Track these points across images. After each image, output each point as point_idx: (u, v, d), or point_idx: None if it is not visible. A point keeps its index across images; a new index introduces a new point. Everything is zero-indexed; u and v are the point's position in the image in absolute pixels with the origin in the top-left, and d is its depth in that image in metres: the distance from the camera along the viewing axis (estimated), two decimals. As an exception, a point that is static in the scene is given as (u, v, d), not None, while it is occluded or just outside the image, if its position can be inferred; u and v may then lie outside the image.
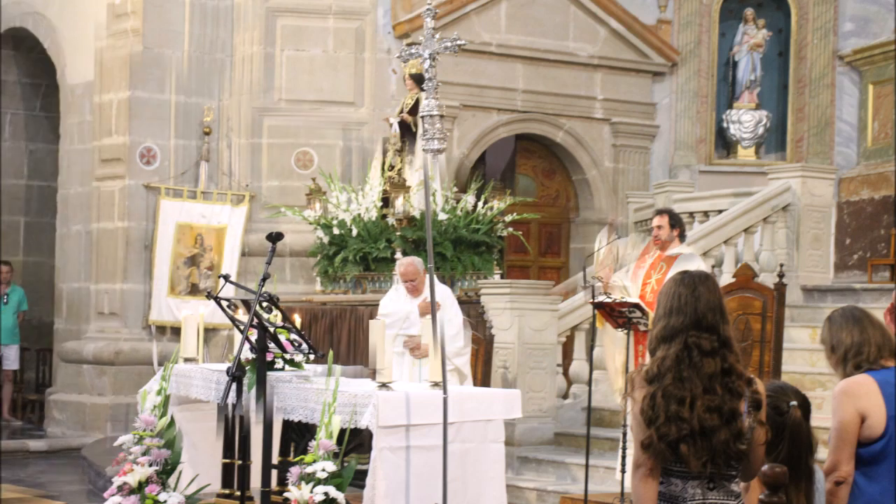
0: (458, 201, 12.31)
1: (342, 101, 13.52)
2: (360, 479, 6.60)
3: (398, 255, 11.36)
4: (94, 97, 13.71)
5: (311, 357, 7.17)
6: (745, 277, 9.18)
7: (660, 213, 9.05)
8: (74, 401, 13.49)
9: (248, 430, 6.87)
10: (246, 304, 6.97)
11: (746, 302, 8.99)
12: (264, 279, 6.63)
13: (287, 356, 7.08)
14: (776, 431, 4.09)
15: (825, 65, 14.98)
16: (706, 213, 12.81)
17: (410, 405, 6.57)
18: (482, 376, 9.93)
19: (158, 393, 7.77)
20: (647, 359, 4.06)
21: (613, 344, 8.83)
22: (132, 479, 7.41)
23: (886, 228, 13.63)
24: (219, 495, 7.72)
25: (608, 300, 8.39)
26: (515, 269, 14.73)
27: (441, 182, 12.40)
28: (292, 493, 6.46)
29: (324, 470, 6.40)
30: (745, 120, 15.29)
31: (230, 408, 7.00)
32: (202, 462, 7.86)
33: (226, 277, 6.98)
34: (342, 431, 6.54)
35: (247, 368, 6.93)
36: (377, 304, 9.86)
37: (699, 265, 8.62)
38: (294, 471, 6.55)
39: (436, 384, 6.86)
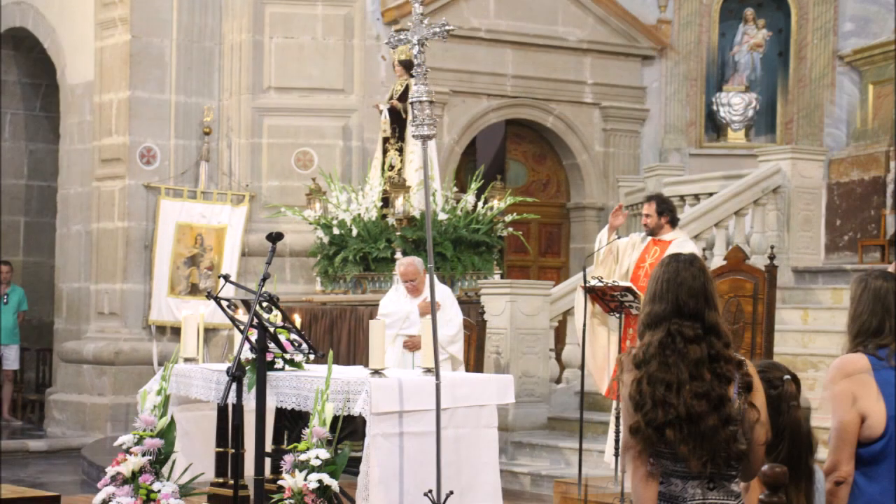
0: (458, 201, 12.31)
1: (332, 89, 13.50)
2: (353, 466, 6.61)
3: (398, 255, 11.36)
4: (94, 97, 13.68)
5: (311, 357, 7.17)
6: (736, 260, 9.20)
7: (648, 200, 9.05)
8: (74, 401, 13.49)
9: (241, 419, 6.87)
10: (246, 304, 6.97)
11: (738, 284, 9.00)
12: (264, 279, 6.63)
13: (287, 356, 7.08)
14: (772, 407, 4.08)
15: (825, 65, 14.96)
16: (697, 197, 12.83)
17: (403, 392, 6.58)
18: (475, 362, 9.95)
19: (158, 393, 7.77)
20: (637, 343, 4.06)
21: (594, 341, 8.83)
22: (125, 469, 7.42)
23: (876, 209, 13.66)
24: (213, 484, 7.73)
25: (599, 284, 8.39)
26: (515, 269, 14.74)
27: (440, 180, 12.40)
28: (286, 480, 6.47)
29: (317, 457, 6.40)
30: (735, 103, 15.29)
31: (231, 408, 7.01)
32: (196, 451, 7.87)
33: (226, 277, 6.97)
34: (335, 419, 6.55)
35: (247, 368, 6.93)
36: (377, 304, 9.87)
37: (692, 250, 8.62)
38: (288, 459, 6.56)
39: (428, 370, 6.87)
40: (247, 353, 6.90)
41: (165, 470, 7.56)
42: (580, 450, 8.36)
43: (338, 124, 13.50)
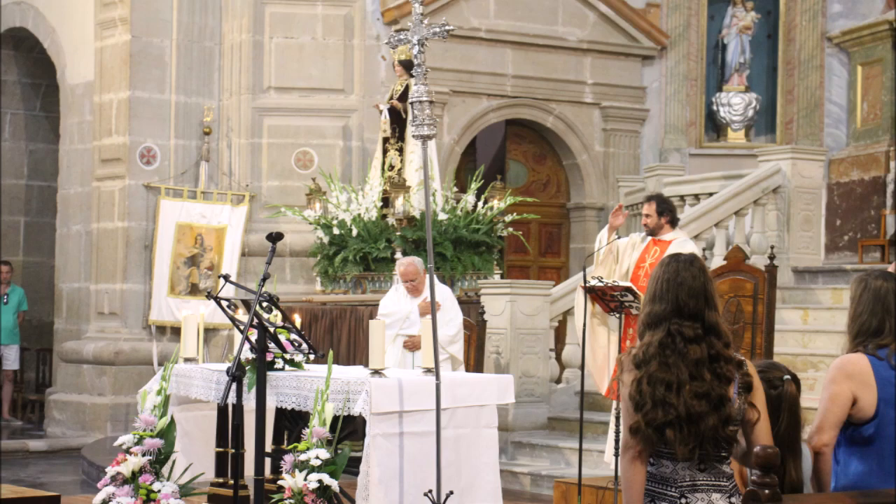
0: (458, 201, 12.30)
1: (332, 89, 13.50)
2: (353, 466, 6.61)
3: (398, 255, 11.36)
4: (94, 97, 13.68)
5: (311, 357, 7.18)
6: (736, 260, 9.20)
7: (648, 200, 9.04)
8: (74, 401, 13.48)
9: (241, 419, 6.87)
10: (246, 304, 6.97)
11: (738, 284, 9.00)
12: (264, 279, 6.63)
13: (287, 356, 7.08)
14: (772, 407, 4.11)
15: (814, 46, 14.98)
16: (697, 197, 12.83)
17: (403, 392, 6.58)
18: (475, 362, 9.95)
19: (158, 393, 7.77)
20: (637, 343, 4.06)
21: (594, 341, 8.82)
22: (125, 469, 7.42)
23: (876, 209, 13.66)
24: (212, 484, 7.74)
25: (599, 284, 8.39)
26: (515, 269, 14.74)
27: (440, 180, 12.40)
28: (286, 480, 6.47)
29: (317, 457, 6.41)
30: (735, 103, 15.30)
31: (231, 408, 7.01)
32: (196, 451, 7.87)
33: (226, 277, 6.97)
34: (335, 419, 6.55)
35: (247, 368, 6.93)
36: (377, 304, 9.87)
37: (692, 250, 8.61)
38: (288, 459, 6.56)
39: (428, 370, 6.87)
40: (247, 353, 6.90)
41: (165, 470, 7.56)
42: (580, 450, 8.35)
43: (338, 124, 13.51)
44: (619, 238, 9.01)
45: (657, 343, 3.96)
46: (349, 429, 6.73)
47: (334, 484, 6.39)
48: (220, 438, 7.66)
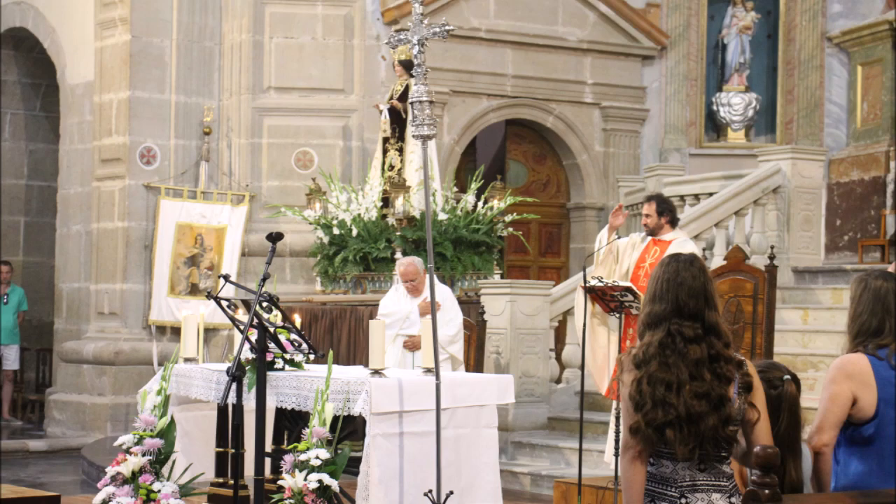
0: (458, 201, 12.31)
1: (332, 89, 13.50)
2: (353, 466, 6.61)
3: (398, 255, 11.36)
4: (94, 97, 13.68)
5: (311, 357, 7.18)
6: (736, 260, 9.20)
7: (648, 200, 9.04)
8: (74, 401, 13.48)
9: (241, 419, 6.87)
10: (246, 304, 6.97)
11: (738, 284, 9.00)
12: (264, 279, 6.63)
13: (287, 356, 7.08)
14: (772, 407, 4.12)
15: (814, 46, 14.98)
16: (697, 197, 12.83)
17: (403, 392, 6.58)
18: (475, 362, 9.95)
19: (158, 393, 7.77)
20: (637, 343, 4.06)
21: (594, 341, 8.82)
22: (125, 469, 7.42)
23: (876, 209, 13.66)
24: (212, 484, 7.74)
25: (599, 284, 8.39)
26: (515, 269, 14.74)
27: (440, 180, 12.40)
28: (286, 480, 6.47)
29: (317, 457, 6.41)
30: (735, 103, 15.30)
31: (231, 408, 7.01)
32: (196, 451, 7.87)
33: (226, 277, 6.97)
34: (335, 419, 6.55)
35: (247, 368, 6.94)
36: (377, 304, 9.87)
37: (692, 250, 8.61)
38: (288, 459, 6.56)
39: (428, 370, 6.87)
40: (247, 353, 6.90)
41: (165, 470, 7.56)
42: (580, 450, 8.35)
43: (338, 124, 13.51)
44: (619, 238, 9.01)
45: (657, 343, 3.96)
46: (349, 429, 6.73)
47: (334, 484, 6.39)
48: (220, 438, 7.67)
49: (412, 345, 9.31)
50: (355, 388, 6.55)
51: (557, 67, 14.63)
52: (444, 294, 9.39)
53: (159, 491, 7.38)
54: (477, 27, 14.10)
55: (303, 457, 6.44)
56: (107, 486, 7.49)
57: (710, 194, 12.36)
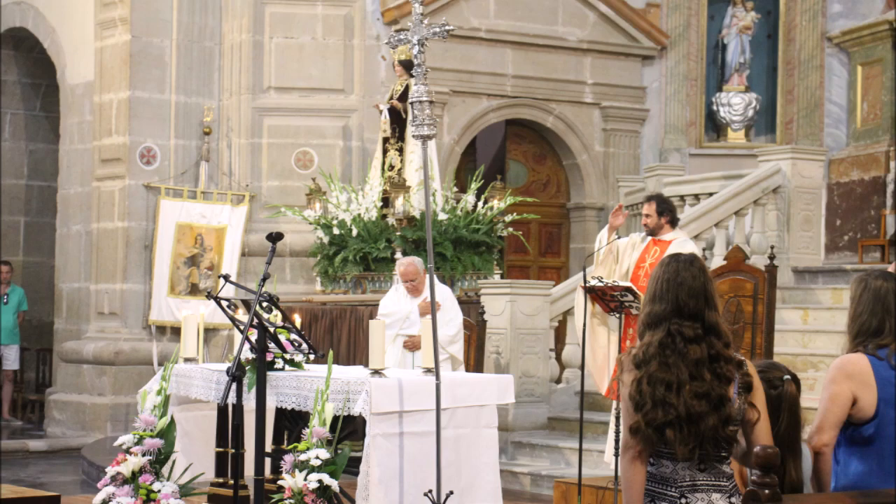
0: (458, 201, 12.31)
1: (332, 89, 13.50)
2: (353, 466, 6.61)
3: (398, 255, 11.36)
4: (94, 97, 13.68)
5: (311, 357, 7.18)
6: (736, 260, 9.20)
7: (648, 200, 9.04)
8: (74, 401, 13.48)
9: (241, 419, 6.87)
10: (246, 304, 6.97)
11: (738, 284, 9.00)
12: (264, 279, 6.63)
13: (287, 356, 7.08)
14: (772, 407, 4.12)
15: (814, 46, 14.99)
16: (697, 197, 12.83)
17: (403, 392, 6.58)
18: (475, 362, 9.95)
19: (158, 393, 7.77)
20: (637, 343, 4.06)
21: (594, 341, 8.82)
22: (125, 469, 7.42)
23: (876, 209, 13.66)
24: (212, 484, 7.74)
25: (599, 284, 8.39)
26: (515, 269, 14.74)
27: (440, 180, 12.40)
28: (286, 480, 6.47)
29: (317, 457, 6.41)
30: (735, 103, 15.30)
31: (231, 408, 7.01)
32: (196, 451, 7.87)
33: (226, 277, 6.97)
34: (335, 419, 6.55)
35: (247, 368, 6.94)
36: (377, 304, 9.88)
37: (692, 250, 8.61)
38: (288, 459, 6.56)
39: (428, 370, 6.87)
40: (247, 353, 6.90)
41: (165, 470, 7.56)
42: (580, 450, 8.35)
43: (338, 124, 13.51)
44: (619, 238, 9.01)
45: (657, 343, 3.96)
46: (349, 429, 6.73)
47: (334, 484, 6.39)
48: (220, 438, 7.66)
49: (412, 345, 9.31)
50: (355, 388, 6.55)
51: (557, 67, 14.63)
52: (444, 294, 9.39)
53: (159, 491, 7.38)
54: (477, 27, 14.10)
55: (303, 457, 6.44)
56: (107, 486, 7.49)
57: (710, 194, 12.36)
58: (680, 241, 8.76)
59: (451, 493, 6.35)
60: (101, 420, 13.09)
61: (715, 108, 15.38)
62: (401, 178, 11.93)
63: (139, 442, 7.53)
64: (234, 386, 6.57)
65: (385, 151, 12.32)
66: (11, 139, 16.35)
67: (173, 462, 7.59)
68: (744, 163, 14.03)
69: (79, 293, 13.99)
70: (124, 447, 7.55)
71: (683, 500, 3.92)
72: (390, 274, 11.48)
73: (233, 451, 7.06)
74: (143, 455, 7.48)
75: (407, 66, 11.88)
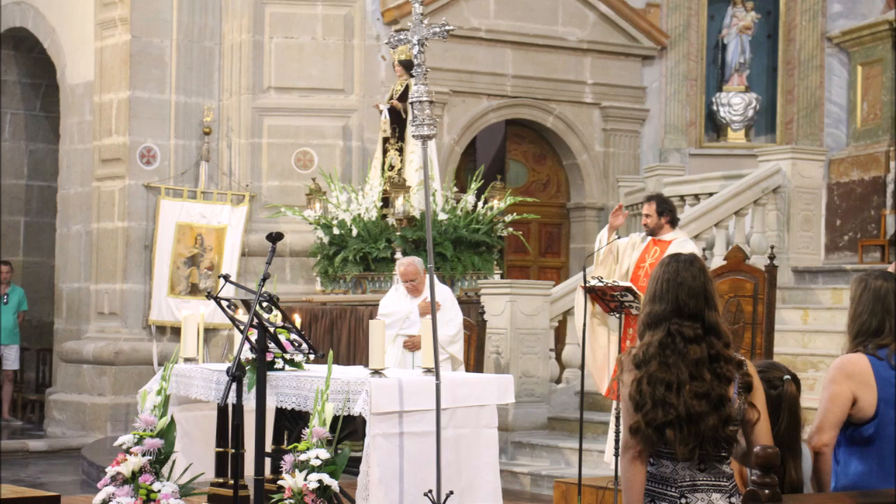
0: (458, 201, 12.31)
1: (332, 89, 13.50)
2: (353, 466, 6.62)
3: (398, 255, 11.36)
4: (94, 97, 13.68)
5: (311, 357, 7.18)
6: (736, 260, 9.20)
7: (648, 200, 9.04)
8: (74, 401, 13.48)
9: (241, 419, 6.87)
10: (246, 304, 6.97)
11: (738, 284, 9.00)
12: (264, 279, 6.63)
13: (287, 356, 7.08)
14: (772, 407, 4.12)
15: (814, 46, 14.99)
16: (697, 197, 12.83)
17: (403, 392, 6.58)
18: (475, 362, 9.95)
19: (158, 393, 7.77)
20: (637, 343, 4.06)
21: (594, 341, 8.82)
22: (125, 469, 7.42)
23: (876, 209, 13.66)
24: (213, 484, 7.74)
25: (599, 284, 8.39)
26: (515, 269, 14.74)
27: (440, 180, 12.40)
28: (286, 480, 6.47)
29: (317, 457, 6.41)
30: (735, 103, 15.30)
31: (231, 408, 7.01)
32: (196, 451, 7.87)
33: (226, 277, 6.97)
34: (335, 419, 6.55)
35: (247, 368, 6.94)
36: (377, 304, 9.87)
37: (692, 250, 8.61)
38: (288, 459, 6.56)
39: (428, 370, 6.87)
40: (247, 353, 6.90)
41: (165, 470, 7.56)
42: (580, 450, 8.35)
43: (338, 124, 13.51)
44: (619, 238, 9.01)
45: (657, 343, 3.96)
46: (349, 429, 6.73)
47: (334, 484, 6.39)
48: (220, 438, 7.67)
49: (412, 345, 9.31)
50: (355, 388, 6.55)
51: (557, 67, 14.63)
52: (444, 294, 9.39)
53: (159, 491, 7.38)
54: (477, 27, 14.10)
55: (303, 457, 6.44)
56: (107, 486, 7.50)
57: (710, 194, 12.36)
58: (680, 241, 8.76)
59: (451, 493, 6.36)
60: (101, 420, 13.09)
61: (715, 108, 15.38)
62: (401, 178, 11.93)
63: (139, 442, 7.53)
64: (234, 386, 6.57)
65: (385, 151, 12.32)
66: (11, 139, 16.35)
67: (173, 462, 7.59)
68: (744, 163, 14.03)
69: (79, 293, 13.99)
70: (124, 447, 7.55)
71: (683, 500, 3.92)
72: (390, 274, 11.48)
73: (233, 451, 7.06)
74: (143, 455, 7.48)
75: (407, 66, 11.88)
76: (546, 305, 10.93)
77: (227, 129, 13.53)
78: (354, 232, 12.02)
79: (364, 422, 6.50)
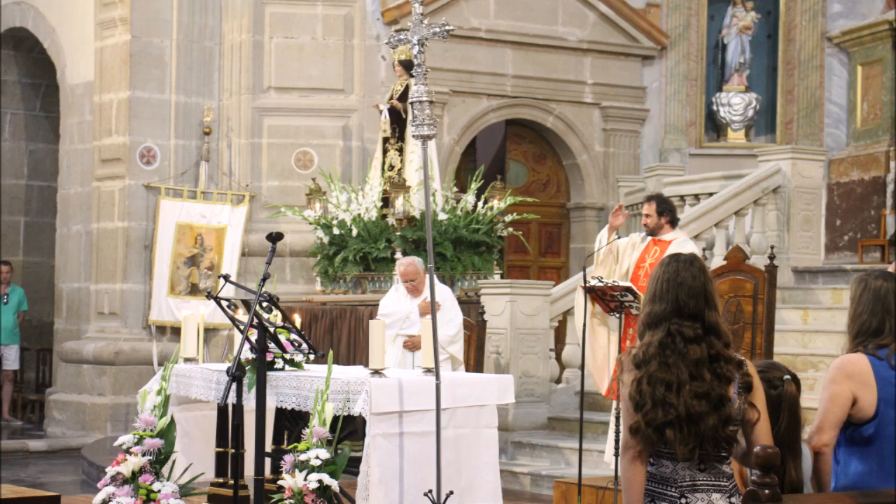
0: (458, 201, 12.31)
1: (332, 89, 13.50)
2: (353, 466, 6.62)
3: (398, 255, 11.36)
4: (94, 97, 13.68)
5: (311, 357, 7.18)
6: (736, 260, 9.20)
7: (648, 200, 9.04)
8: (74, 401, 13.48)
9: (241, 419, 6.87)
10: (246, 304, 6.97)
11: (738, 284, 9.00)
12: (264, 279, 6.63)
13: (287, 356, 7.09)
14: (772, 407, 4.12)
15: (814, 46, 14.99)
16: (697, 197, 12.83)
17: (403, 392, 6.58)
18: (475, 362, 9.95)
19: (158, 393, 7.77)
20: (637, 343, 4.06)
21: (594, 341, 8.82)
22: (125, 469, 7.42)
23: (876, 209, 13.67)
24: (213, 484, 7.74)
25: (599, 284, 8.39)
26: (515, 269, 14.74)
27: (441, 180, 12.40)
28: (286, 481, 6.47)
29: (317, 457, 6.41)
30: (735, 103, 15.30)
31: (231, 408, 7.01)
32: (196, 451, 7.87)
33: (226, 277, 6.97)
34: (335, 419, 6.55)
35: (247, 368, 6.94)
36: (377, 304, 9.88)
37: (692, 250, 8.60)
38: (288, 459, 6.56)
39: (428, 370, 6.87)
40: (247, 353, 6.90)
41: (165, 470, 7.56)
42: (580, 450, 8.35)
43: (338, 124, 13.51)
44: (619, 238, 9.01)
45: (657, 343, 3.96)
46: (349, 429, 6.73)
47: (334, 484, 6.39)
48: (220, 438, 7.67)
49: (412, 345, 9.31)
50: (355, 388, 6.55)
51: (557, 67, 14.63)
52: (444, 294, 9.39)
53: (159, 491, 7.38)
54: (477, 27, 14.10)
55: (303, 457, 6.45)
56: (107, 486, 7.50)
57: (710, 194, 12.36)
58: (680, 241, 8.76)
59: (451, 493, 6.36)
60: (101, 420, 13.10)
61: (715, 108, 15.38)
62: (401, 178, 11.93)
63: (139, 442, 7.53)
64: (234, 386, 6.57)
65: (385, 151, 12.32)
66: (11, 139, 16.35)
67: (173, 462, 7.59)
68: (744, 163, 14.03)
69: (79, 293, 14.00)
70: (124, 447, 7.55)
71: (683, 500, 3.92)
72: (390, 274, 11.48)
73: (233, 451, 7.06)
74: (143, 455, 7.48)
75: (407, 66, 11.88)
76: (546, 305, 10.92)
77: (227, 129, 13.53)
78: (354, 232, 12.02)
79: (364, 422, 6.50)
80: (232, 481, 7.08)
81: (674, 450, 3.91)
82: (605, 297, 8.44)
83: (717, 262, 10.86)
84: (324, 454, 6.42)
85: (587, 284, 8.43)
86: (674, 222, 8.96)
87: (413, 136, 6.69)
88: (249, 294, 6.80)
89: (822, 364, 10.07)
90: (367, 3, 13.58)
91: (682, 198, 12.82)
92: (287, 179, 13.40)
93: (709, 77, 15.45)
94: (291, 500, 6.42)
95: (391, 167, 12.19)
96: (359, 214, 12.11)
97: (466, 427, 6.87)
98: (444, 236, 11.81)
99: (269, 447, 7.36)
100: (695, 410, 3.88)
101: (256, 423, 6.65)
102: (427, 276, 7.74)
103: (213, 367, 7.70)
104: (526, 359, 10.74)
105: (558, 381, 11.32)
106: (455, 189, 12.61)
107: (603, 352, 8.84)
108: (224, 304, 6.98)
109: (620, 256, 9.00)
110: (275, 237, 6.90)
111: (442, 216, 11.98)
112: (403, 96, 12.07)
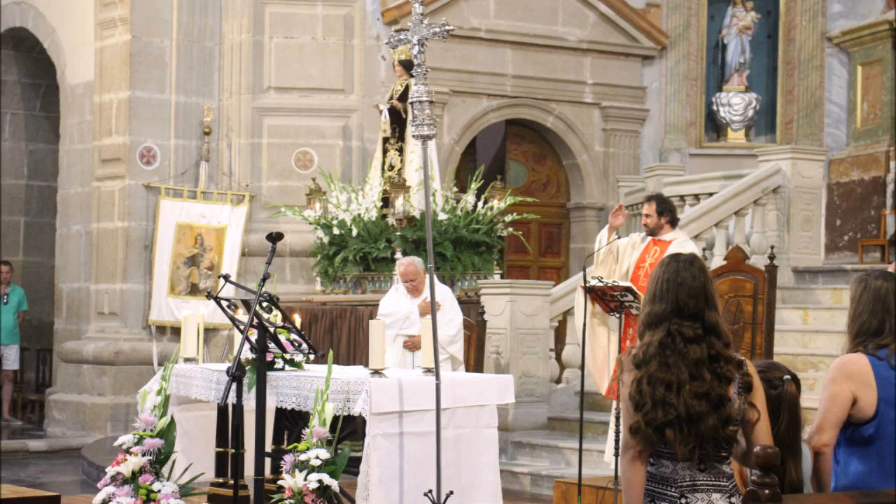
0: (458, 201, 12.31)
1: (332, 89, 13.50)
2: (353, 466, 6.62)
3: (398, 255, 11.36)
4: (94, 97, 13.68)
5: (311, 357, 7.18)
6: (736, 260, 9.20)
7: (648, 200, 9.04)
8: (74, 401, 13.48)
9: (241, 419, 6.87)
10: (246, 304, 6.97)
11: (738, 284, 9.00)
12: (264, 279, 6.63)
13: (287, 356, 7.09)
14: (772, 407, 4.12)
15: (814, 46, 14.99)
16: (697, 197, 12.83)
17: (403, 392, 6.59)
18: (475, 362, 9.95)
19: (158, 393, 7.77)
20: (637, 343, 4.06)
21: (594, 341, 8.82)
22: (125, 469, 7.42)
23: (876, 209, 13.67)
24: (213, 484, 7.74)
25: (599, 284, 8.39)
26: (515, 269, 14.74)
27: (441, 180, 12.40)
28: (286, 480, 6.47)
29: (317, 457, 6.41)
30: (735, 103, 15.30)
31: (231, 408, 7.00)
32: (196, 451, 7.87)
33: (226, 277, 6.97)
34: (335, 419, 6.55)
35: (247, 368, 6.94)
36: (377, 304, 9.88)
37: (692, 250, 8.60)
38: (288, 459, 6.56)
39: (428, 370, 6.87)
40: (247, 353, 6.91)
41: (165, 470, 7.56)
42: (580, 450, 8.35)
43: (338, 124, 13.51)
44: (619, 238, 9.01)
45: (657, 343, 3.96)
46: (349, 429, 6.73)
47: (334, 484, 6.39)
48: (220, 438, 7.67)
49: (412, 345, 9.31)
50: (355, 388, 6.55)
51: (557, 67, 14.63)
52: (444, 294, 9.39)
53: (159, 491, 7.38)
54: (477, 27, 14.10)
55: (303, 457, 6.45)
56: (107, 486, 7.50)
57: (710, 194, 12.36)
58: (680, 241, 8.76)
59: (451, 493, 6.36)
60: (101, 420, 13.10)
61: (715, 108, 15.38)
62: (401, 178, 11.93)
63: (139, 442, 7.53)
64: (234, 386, 6.58)
65: (385, 151, 12.32)
66: (11, 139, 16.35)
67: (173, 462, 7.59)
68: (744, 163, 14.03)
69: (79, 293, 14.00)
70: (124, 447, 7.55)
71: (683, 500, 3.92)
72: (390, 274, 11.48)
73: (233, 451, 7.06)
74: (143, 455, 7.48)
75: (407, 66, 11.88)
76: (546, 305, 10.93)
77: (227, 129, 13.53)
78: (354, 232, 12.02)
79: (364, 422, 6.50)
80: (232, 481, 7.08)
81: (674, 450, 3.91)
82: (605, 297, 8.44)
83: (717, 262, 10.86)
84: (324, 454, 6.42)
85: (587, 284, 8.43)
86: (674, 222, 8.96)
87: (413, 136, 6.69)
88: (249, 294, 6.81)
89: (822, 364, 10.07)
90: (367, 3, 13.58)
91: (682, 198, 12.82)
92: (287, 179, 13.40)
93: (709, 77, 15.45)
94: (291, 500, 6.42)
95: (391, 167, 12.19)
96: (359, 214, 12.11)
97: (466, 427, 6.87)
98: (444, 236, 11.81)
99: (269, 447, 7.36)
100: (695, 410, 3.88)
101: (256, 423, 6.65)
102: (427, 276, 7.74)
103: (213, 367, 7.70)
104: (526, 359, 10.74)
105: (558, 381, 11.32)
106: (455, 189, 12.62)
107: (603, 352, 8.85)
108: (224, 304, 6.98)
109: (620, 256, 9.00)
110: (275, 237, 6.91)
111: (442, 216, 11.98)
112: (403, 96, 12.07)
